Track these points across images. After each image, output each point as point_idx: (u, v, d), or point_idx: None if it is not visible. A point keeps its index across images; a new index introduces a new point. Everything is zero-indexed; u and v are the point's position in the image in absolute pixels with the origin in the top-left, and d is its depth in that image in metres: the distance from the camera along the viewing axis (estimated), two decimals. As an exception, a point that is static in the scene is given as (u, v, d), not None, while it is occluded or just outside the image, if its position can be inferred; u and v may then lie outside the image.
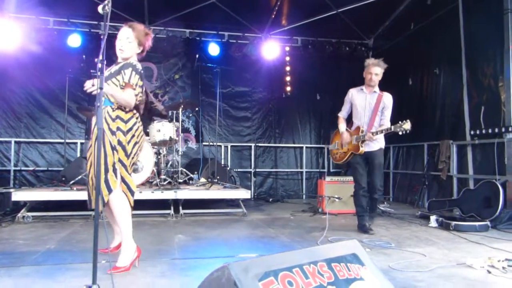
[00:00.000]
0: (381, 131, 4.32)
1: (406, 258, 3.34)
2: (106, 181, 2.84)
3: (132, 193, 3.04)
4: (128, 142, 2.96)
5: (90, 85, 2.73)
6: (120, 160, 2.92)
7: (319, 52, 8.39)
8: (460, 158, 6.15)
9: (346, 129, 4.73)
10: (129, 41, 3.08)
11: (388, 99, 4.56)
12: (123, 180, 2.96)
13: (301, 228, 4.82)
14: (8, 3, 6.83)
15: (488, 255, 3.31)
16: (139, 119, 3.12)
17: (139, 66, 3.07)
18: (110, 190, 2.86)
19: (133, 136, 3.01)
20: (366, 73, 4.59)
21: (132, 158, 3.03)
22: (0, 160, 7.26)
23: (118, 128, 2.94)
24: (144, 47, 3.22)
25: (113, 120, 2.94)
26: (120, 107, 2.98)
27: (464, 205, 5.43)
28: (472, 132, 5.79)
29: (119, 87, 2.97)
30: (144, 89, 3.14)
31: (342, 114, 4.84)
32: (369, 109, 4.55)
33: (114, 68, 3.10)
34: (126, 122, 2.98)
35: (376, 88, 4.61)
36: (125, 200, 2.98)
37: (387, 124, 4.43)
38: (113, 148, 2.89)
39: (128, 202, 3.01)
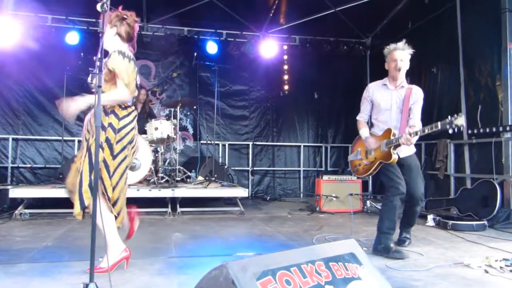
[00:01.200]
0: (423, 131, 3.31)
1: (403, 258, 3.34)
2: (90, 184, 2.64)
3: (108, 198, 2.81)
4: (117, 142, 2.74)
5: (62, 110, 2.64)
6: (104, 160, 2.72)
7: (317, 51, 8.40)
8: (457, 157, 6.16)
9: (371, 133, 3.76)
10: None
11: (418, 93, 3.67)
12: (101, 181, 2.73)
13: (298, 227, 4.83)
14: (6, 1, 6.79)
15: (485, 254, 3.34)
16: (135, 119, 2.89)
17: (125, 50, 2.83)
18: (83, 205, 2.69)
19: (123, 137, 2.78)
20: (390, 62, 3.67)
21: (119, 161, 2.79)
22: (-3, 158, 7.25)
23: (109, 124, 2.73)
24: (121, 32, 2.91)
25: (107, 114, 2.74)
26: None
27: (462, 204, 5.45)
28: (469, 131, 5.81)
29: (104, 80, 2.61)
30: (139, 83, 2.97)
31: (362, 117, 3.87)
32: (396, 108, 3.64)
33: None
34: (120, 119, 2.77)
35: (404, 81, 3.69)
36: (103, 204, 2.74)
37: (418, 124, 3.55)
38: (99, 146, 2.55)
39: (105, 205, 2.79)
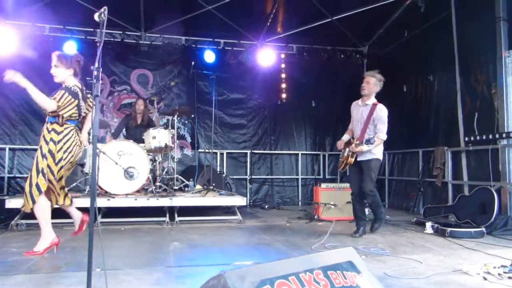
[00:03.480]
0: (363, 144, 4.46)
1: (402, 265, 3.34)
2: (37, 185, 3.46)
3: (57, 193, 3.71)
4: (58, 151, 3.51)
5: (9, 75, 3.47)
6: (48, 166, 3.49)
7: (314, 59, 8.45)
8: (454, 164, 6.18)
9: (348, 141, 4.93)
10: (56, 66, 3.62)
11: (379, 110, 4.59)
12: (50, 182, 3.55)
13: (297, 235, 4.81)
14: (4, 10, 6.83)
15: (483, 261, 3.33)
16: (73, 131, 3.64)
17: (71, 86, 3.63)
18: (40, 192, 3.48)
19: (64, 144, 3.55)
20: (362, 83, 4.73)
21: (61, 164, 3.55)
22: (-6, 167, 7.23)
23: (51, 139, 3.52)
24: (75, 70, 3.73)
25: (49, 132, 3.54)
26: (57, 122, 3.54)
27: (460, 212, 5.45)
28: (466, 139, 5.83)
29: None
30: (80, 106, 3.66)
31: (350, 126, 5.03)
32: (361, 121, 4.68)
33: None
34: (58, 133, 3.54)
35: (371, 100, 4.69)
36: (43, 200, 3.56)
37: (381, 136, 4.53)
38: (43, 156, 3.48)
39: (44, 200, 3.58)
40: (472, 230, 4.66)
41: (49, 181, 3.53)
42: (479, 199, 5.20)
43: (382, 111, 4.59)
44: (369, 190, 4.62)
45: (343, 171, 5.23)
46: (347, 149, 4.75)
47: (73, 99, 3.57)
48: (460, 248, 4.08)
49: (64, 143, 3.54)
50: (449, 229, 4.67)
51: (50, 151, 3.49)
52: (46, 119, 3.59)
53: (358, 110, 4.79)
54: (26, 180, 3.56)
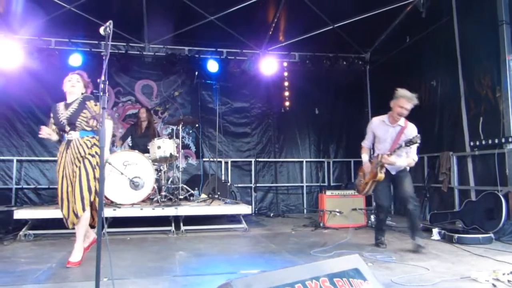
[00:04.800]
0: (394, 150, 4.20)
1: (409, 272, 3.32)
2: (88, 199, 3.55)
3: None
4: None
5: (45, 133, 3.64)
6: (95, 179, 3.62)
7: (317, 67, 8.48)
8: (460, 169, 6.15)
9: (369, 160, 4.57)
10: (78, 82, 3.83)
11: (410, 130, 4.33)
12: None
13: (302, 243, 4.80)
14: (13, 25, 6.95)
15: (492, 268, 3.30)
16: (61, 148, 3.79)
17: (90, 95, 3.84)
18: (84, 209, 3.54)
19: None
20: (395, 105, 4.29)
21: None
22: (2, 179, 7.29)
23: (96, 153, 3.66)
24: (86, 91, 3.90)
25: (91, 146, 3.68)
26: (94, 137, 3.72)
27: (467, 217, 5.41)
28: (471, 143, 5.81)
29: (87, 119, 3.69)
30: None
31: (366, 144, 4.65)
32: (389, 140, 4.38)
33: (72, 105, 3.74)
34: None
35: (401, 121, 4.38)
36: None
37: (415, 158, 4.31)
38: (94, 168, 3.62)
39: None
40: (480, 236, 4.62)
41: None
42: (486, 205, 5.16)
43: (414, 131, 4.32)
44: (413, 194, 4.30)
45: (368, 194, 4.68)
46: (373, 166, 4.38)
47: None
48: (468, 254, 4.05)
49: None
50: (456, 235, 4.63)
51: (97, 164, 3.64)
52: (78, 133, 3.66)
53: (386, 129, 4.42)
54: (76, 191, 3.57)
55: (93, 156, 3.65)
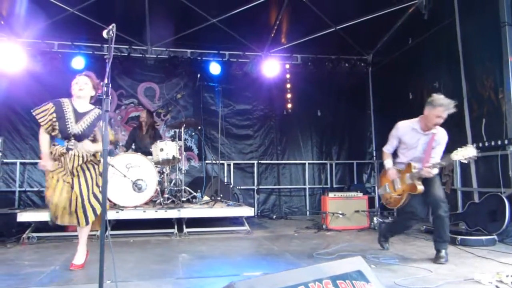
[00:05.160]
0: (440, 164, 3.87)
1: (412, 274, 3.31)
2: (98, 209, 3.52)
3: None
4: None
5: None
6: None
7: (319, 69, 8.49)
8: (463, 171, 6.13)
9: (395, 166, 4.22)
10: (87, 84, 3.74)
11: (441, 136, 4.04)
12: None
13: (305, 245, 4.80)
14: (16, 28, 6.99)
15: (496, 270, 3.29)
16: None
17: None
18: (95, 216, 3.55)
19: None
20: (432, 115, 3.93)
21: None
22: (5, 182, 7.32)
23: (99, 161, 3.66)
24: (96, 93, 3.81)
25: (94, 154, 3.66)
26: None
27: (470, 219, 5.39)
28: (474, 145, 5.75)
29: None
30: None
31: (388, 149, 4.27)
32: (421, 148, 4.04)
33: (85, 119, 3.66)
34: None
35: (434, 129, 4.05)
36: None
37: (437, 160, 3.96)
38: (98, 176, 3.61)
39: None
40: (484, 238, 4.61)
41: None
42: (489, 206, 5.14)
43: (444, 137, 4.07)
44: (445, 198, 3.98)
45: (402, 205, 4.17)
46: (407, 177, 4.00)
47: None
48: (472, 256, 4.04)
49: None
50: (459, 237, 4.62)
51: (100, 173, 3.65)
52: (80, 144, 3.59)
53: (417, 137, 4.05)
54: (91, 199, 3.54)
55: (97, 164, 3.65)
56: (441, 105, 3.89)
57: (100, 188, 3.54)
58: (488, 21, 5.58)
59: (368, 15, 7.16)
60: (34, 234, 5.00)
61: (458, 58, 6.10)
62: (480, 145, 5.64)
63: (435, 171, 3.88)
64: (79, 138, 3.56)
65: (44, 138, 3.59)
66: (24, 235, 4.97)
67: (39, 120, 3.54)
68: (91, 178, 3.58)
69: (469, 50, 5.97)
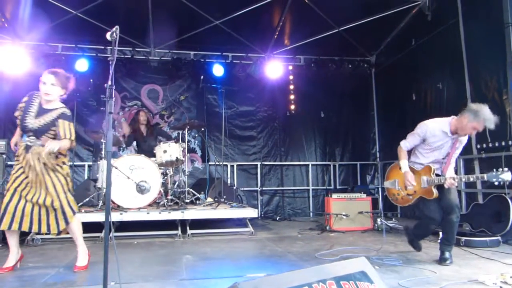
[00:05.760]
0: (468, 179, 3.81)
1: (416, 275, 3.30)
2: (74, 203, 3.61)
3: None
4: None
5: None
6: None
7: (322, 70, 8.49)
8: (467, 172, 6.10)
9: (409, 166, 4.02)
10: (53, 85, 3.57)
11: (464, 141, 3.93)
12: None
13: (309, 247, 4.79)
14: (20, 31, 7.04)
15: (500, 271, 3.29)
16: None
17: (68, 111, 3.65)
18: (74, 212, 3.58)
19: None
20: (470, 124, 3.67)
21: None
22: (9, 184, 7.32)
23: (63, 162, 3.61)
24: (66, 92, 3.72)
25: (56, 157, 3.55)
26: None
27: (474, 220, 5.37)
28: (478, 146, 5.78)
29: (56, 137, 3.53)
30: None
31: (406, 146, 4.04)
32: (444, 152, 3.90)
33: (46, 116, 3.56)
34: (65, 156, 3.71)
35: None
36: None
37: (452, 162, 3.89)
38: (65, 178, 3.58)
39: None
40: (488, 239, 4.59)
41: None
42: (493, 207, 5.12)
43: (465, 141, 3.95)
44: (459, 204, 3.91)
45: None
46: (424, 181, 3.88)
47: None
48: (476, 257, 4.03)
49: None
50: (463, 238, 4.60)
51: (67, 174, 3.64)
52: (39, 142, 3.51)
53: (445, 140, 3.85)
54: (52, 203, 3.47)
55: (61, 167, 3.55)
56: (486, 120, 3.62)
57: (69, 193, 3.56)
58: (492, 22, 5.56)
59: (371, 16, 7.17)
60: (38, 236, 5.01)
61: (461, 59, 6.09)
62: (484, 146, 5.63)
63: (457, 182, 3.73)
64: (35, 134, 3.49)
65: (17, 131, 3.65)
66: (29, 237, 4.98)
67: (17, 110, 3.62)
68: (61, 183, 3.52)
69: (472, 51, 5.95)
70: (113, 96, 2.42)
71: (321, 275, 1.80)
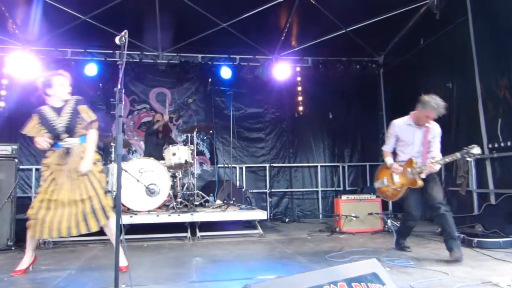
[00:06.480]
0: (444, 160, 4.06)
1: (428, 277, 3.26)
2: (109, 206, 3.60)
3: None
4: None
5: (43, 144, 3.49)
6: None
7: (330, 71, 8.47)
8: (479, 172, 6.03)
9: (396, 162, 4.39)
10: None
11: (436, 130, 4.28)
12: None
13: (319, 248, 4.77)
14: (30, 37, 7.13)
15: (513, 272, 3.23)
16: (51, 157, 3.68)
17: (80, 97, 3.82)
18: (108, 217, 3.55)
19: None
20: (422, 115, 4.18)
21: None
22: (21, 187, 7.42)
23: (97, 160, 3.66)
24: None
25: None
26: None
27: (486, 221, 5.29)
28: (490, 146, 5.70)
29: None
30: None
31: (388, 148, 4.51)
32: (418, 143, 4.28)
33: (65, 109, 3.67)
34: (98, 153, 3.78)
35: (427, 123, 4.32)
36: None
37: (438, 155, 4.16)
38: (102, 172, 3.65)
39: None
40: (501, 240, 4.52)
41: None
42: (506, 208, 5.05)
43: (439, 130, 4.30)
44: (443, 200, 4.15)
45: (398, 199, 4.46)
46: (408, 172, 4.22)
47: None
48: (489, 259, 3.97)
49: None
50: (476, 239, 4.54)
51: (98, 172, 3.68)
52: (78, 140, 3.61)
53: (412, 131, 4.30)
54: (90, 201, 3.50)
55: (95, 164, 3.62)
56: (432, 108, 4.12)
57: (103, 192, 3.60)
58: (501, 19, 5.50)
59: (379, 16, 7.13)
60: (50, 239, 5.06)
61: (471, 57, 6.02)
62: (496, 145, 5.56)
63: (438, 167, 4.07)
64: (68, 131, 3.58)
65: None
66: (40, 240, 5.02)
67: (30, 134, 3.67)
68: (98, 181, 3.58)
69: (482, 49, 5.88)
70: (123, 100, 2.44)
71: (332, 277, 1.79)
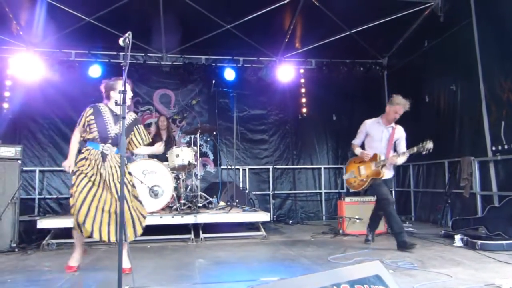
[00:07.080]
0: (403, 153, 4.74)
1: (431, 280, 3.25)
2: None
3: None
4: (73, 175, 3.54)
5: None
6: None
7: (334, 73, 8.45)
8: (482, 174, 6.01)
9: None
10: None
11: (401, 132, 5.00)
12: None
13: (322, 250, 4.76)
14: (34, 39, 7.17)
15: (517, 275, 3.22)
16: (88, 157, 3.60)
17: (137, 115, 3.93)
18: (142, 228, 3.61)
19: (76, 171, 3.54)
20: (391, 111, 4.88)
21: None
22: (25, 189, 7.44)
23: (129, 173, 3.70)
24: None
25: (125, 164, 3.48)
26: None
27: (490, 223, 5.27)
28: (493, 148, 5.68)
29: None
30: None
31: (356, 142, 5.19)
32: (385, 140, 4.97)
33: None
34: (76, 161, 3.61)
35: (393, 123, 5.04)
36: None
37: (407, 153, 4.77)
38: (133, 187, 3.63)
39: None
40: (504, 242, 4.50)
41: None
42: (510, 210, 5.02)
43: (403, 133, 5.01)
44: (387, 195, 4.93)
45: (365, 189, 5.12)
46: (373, 164, 4.91)
47: None
48: (492, 261, 3.95)
49: None
50: (479, 242, 4.53)
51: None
52: (115, 150, 3.57)
53: (381, 130, 5.02)
54: (131, 212, 3.53)
55: (129, 173, 3.71)
56: (399, 104, 4.81)
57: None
58: (505, 22, 5.48)
59: (383, 18, 7.12)
60: (54, 241, 5.08)
61: (475, 60, 6.00)
62: (500, 148, 5.54)
63: (399, 160, 4.78)
64: (114, 141, 3.54)
65: (76, 138, 3.61)
66: (44, 242, 5.05)
67: (78, 121, 3.62)
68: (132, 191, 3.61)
69: (487, 52, 5.86)
70: (126, 101, 2.45)
71: (335, 279, 1.79)
